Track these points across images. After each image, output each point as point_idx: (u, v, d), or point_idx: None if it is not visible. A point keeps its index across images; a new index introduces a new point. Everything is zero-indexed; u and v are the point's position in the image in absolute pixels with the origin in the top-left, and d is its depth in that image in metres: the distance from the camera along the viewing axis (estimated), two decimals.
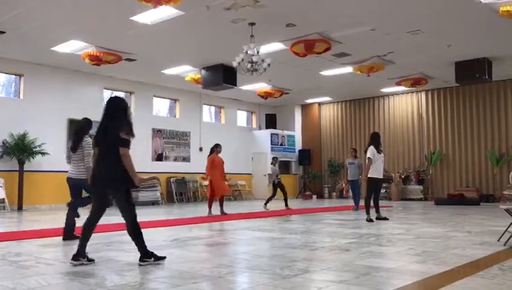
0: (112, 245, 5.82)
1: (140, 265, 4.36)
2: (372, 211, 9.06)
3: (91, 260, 4.49)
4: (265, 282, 3.69)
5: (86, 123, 6.71)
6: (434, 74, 15.10)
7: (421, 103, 18.06)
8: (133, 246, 5.71)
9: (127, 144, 4.51)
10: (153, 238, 6.56)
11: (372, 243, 5.81)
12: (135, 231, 4.48)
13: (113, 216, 10.58)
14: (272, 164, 13.25)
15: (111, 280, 3.74)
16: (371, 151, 9.15)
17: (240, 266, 4.44)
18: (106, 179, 4.53)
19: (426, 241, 6.09)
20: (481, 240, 6.10)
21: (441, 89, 17.47)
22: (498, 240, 5.80)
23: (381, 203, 9.65)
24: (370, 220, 8.75)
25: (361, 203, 12.13)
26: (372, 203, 9.14)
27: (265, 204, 12.42)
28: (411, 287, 3.50)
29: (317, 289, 3.45)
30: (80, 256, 4.42)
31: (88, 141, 6.42)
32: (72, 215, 6.37)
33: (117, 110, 4.67)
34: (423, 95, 17.99)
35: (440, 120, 17.57)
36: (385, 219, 9.06)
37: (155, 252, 4.52)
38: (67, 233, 6.23)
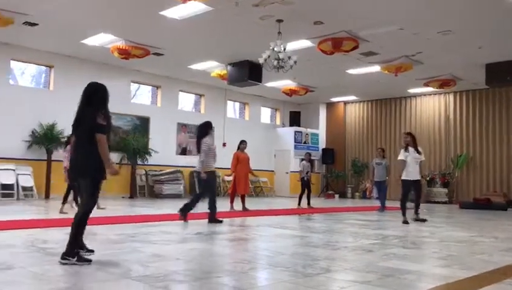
0: (136, 236, 5.91)
1: (60, 262, 3.93)
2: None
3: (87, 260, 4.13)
4: (287, 279, 3.69)
5: (205, 126, 7.93)
6: (463, 76, 14.82)
7: (449, 105, 17.75)
8: (158, 237, 5.82)
9: (103, 130, 4.20)
10: (176, 231, 6.64)
11: (395, 245, 5.76)
12: (79, 224, 4.14)
13: (137, 207, 10.76)
14: (303, 159, 13.03)
15: (135, 271, 3.80)
16: (402, 153, 9.02)
17: (262, 263, 4.45)
18: (79, 168, 4.26)
19: (451, 245, 6.00)
20: (508, 246, 5.97)
21: (469, 91, 17.13)
22: None
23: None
24: (405, 222, 8.58)
25: (387, 204, 12.05)
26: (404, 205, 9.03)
27: (299, 203, 12.31)
28: None
29: (340, 288, 3.44)
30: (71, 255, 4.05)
31: (205, 140, 7.74)
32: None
33: (93, 95, 4.35)
34: (451, 96, 17.67)
35: (468, 123, 17.24)
36: (423, 220, 8.92)
37: (81, 253, 4.13)
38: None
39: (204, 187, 8.01)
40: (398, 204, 9.26)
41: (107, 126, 4.26)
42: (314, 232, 7.06)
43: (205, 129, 8.04)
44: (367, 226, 8.17)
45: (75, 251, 4.05)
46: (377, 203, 12.02)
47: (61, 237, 5.63)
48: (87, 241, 5.36)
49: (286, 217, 9.88)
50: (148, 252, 4.70)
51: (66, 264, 3.91)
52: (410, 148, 8.96)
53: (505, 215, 12.14)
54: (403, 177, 8.88)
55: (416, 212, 9.06)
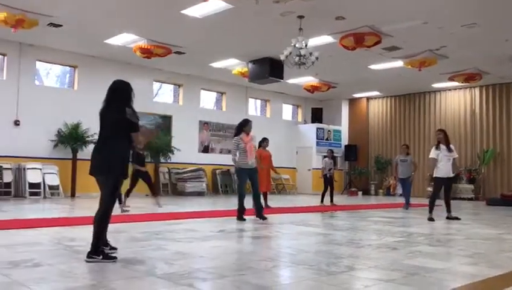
0: (160, 234, 5.96)
1: (86, 261, 3.97)
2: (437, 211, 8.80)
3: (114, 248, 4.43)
4: (310, 277, 3.68)
5: (239, 125, 8.18)
6: (489, 69, 14.51)
7: (475, 99, 17.41)
8: (182, 235, 5.86)
9: (136, 127, 4.30)
10: (199, 228, 6.68)
11: (421, 243, 5.67)
12: (100, 223, 4.21)
13: (164, 205, 10.85)
14: (325, 156, 12.95)
15: (160, 268, 3.83)
16: (432, 151, 8.85)
17: (285, 260, 4.44)
18: (102, 166, 4.29)
19: (478, 242, 5.88)
20: None
21: (496, 85, 16.76)
22: None
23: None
24: (431, 219, 8.47)
25: (411, 201, 11.87)
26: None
27: (322, 201, 12.25)
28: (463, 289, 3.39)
29: (364, 287, 3.41)
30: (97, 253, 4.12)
31: (235, 139, 8.04)
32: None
33: (117, 92, 4.43)
34: (477, 91, 17.33)
35: (494, 117, 16.88)
36: (456, 218, 8.75)
37: (105, 250, 4.18)
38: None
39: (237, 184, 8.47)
40: (422, 201, 9.12)
41: (136, 124, 4.31)
42: (338, 230, 7.01)
43: (239, 128, 8.17)
44: (391, 223, 8.07)
45: (100, 249, 4.11)
46: (402, 200, 11.84)
47: (87, 235, 5.70)
48: (112, 239, 5.45)
49: (309, 214, 9.84)
50: (173, 250, 4.74)
51: (92, 262, 3.96)
52: (442, 146, 8.76)
53: None
54: (435, 175, 8.72)
55: (449, 210, 8.89)
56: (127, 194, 9.25)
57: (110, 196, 4.26)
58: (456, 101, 17.89)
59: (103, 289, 3.11)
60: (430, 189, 17.66)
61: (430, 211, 8.68)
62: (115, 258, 4.08)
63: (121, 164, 4.24)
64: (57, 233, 5.80)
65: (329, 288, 3.33)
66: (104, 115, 4.36)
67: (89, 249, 4.07)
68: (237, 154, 7.99)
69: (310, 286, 3.42)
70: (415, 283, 3.51)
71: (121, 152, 4.25)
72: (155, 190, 10.04)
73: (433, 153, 8.79)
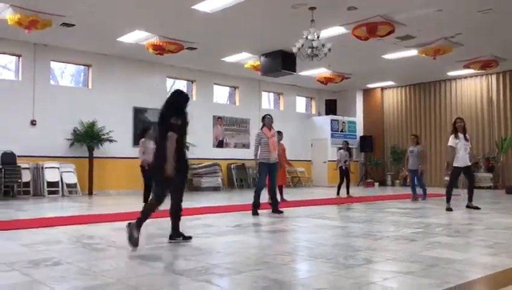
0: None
1: (169, 242, 4.87)
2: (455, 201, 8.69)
3: (187, 238, 4.97)
4: (328, 271, 3.66)
5: (262, 120, 8.41)
6: (506, 56, 14.24)
7: (492, 87, 17.12)
8: (199, 230, 5.89)
9: (173, 128, 4.72)
10: (215, 223, 6.70)
11: (439, 234, 5.62)
12: (147, 212, 4.71)
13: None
14: (340, 148, 12.87)
15: (178, 265, 3.86)
16: (451, 139, 8.73)
17: (302, 254, 4.43)
18: (156, 166, 4.80)
19: (498, 232, 5.80)
20: None
21: None
22: None
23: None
24: (449, 209, 8.38)
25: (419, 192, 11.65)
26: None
27: (338, 193, 12.20)
28: (483, 281, 3.35)
29: (383, 279, 3.38)
30: (176, 236, 4.94)
31: (257, 133, 8.29)
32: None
33: (170, 99, 5.07)
34: (494, 78, 17.03)
35: None
36: (476, 208, 8.62)
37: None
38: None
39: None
40: (439, 191, 9.01)
41: (181, 126, 4.80)
42: (355, 222, 6.98)
43: (263, 122, 8.39)
44: (408, 214, 8.01)
45: (179, 232, 4.91)
46: (420, 192, 11.61)
47: (105, 232, 5.79)
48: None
49: (325, 207, 9.81)
50: (191, 246, 4.76)
51: (173, 243, 4.84)
52: (460, 135, 8.65)
53: None
54: (454, 164, 8.60)
55: (471, 199, 8.77)
56: None
57: (160, 193, 4.80)
58: (472, 89, 17.62)
59: (122, 286, 3.13)
60: (447, 178, 17.52)
61: (448, 201, 8.59)
62: (190, 237, 4.97)
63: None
64: (75, 231, 5.86)
65: (347, 282, 3.31)
66: (160, 120, 5.04)
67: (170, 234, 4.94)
68: (259, 148, 8.06)
69: (328, 280, 3.41)
70: (435, 274, 3.47)
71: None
72: None
73: (451, 142, 8.67)
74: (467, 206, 8.70)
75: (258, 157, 8.14)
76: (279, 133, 10.93)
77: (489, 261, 4.04)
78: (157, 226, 6.38)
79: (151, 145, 8.70)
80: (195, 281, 3.28)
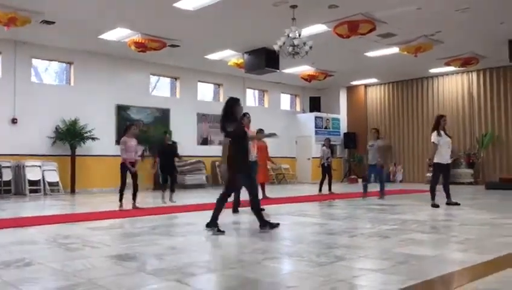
0: (156, 229, 6.01)
1: (206, 230, 5.58)
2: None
3: (221, 231, 5.47)
4: (301, 269, 3.72)
5: None
6: (486, 53, 14.44)
7: (472, 84, 17.35)
8: (177, 229, 5.92)
9: (226, 134, 5.66)
10: (194, 221, 6.73)
11: (414, 230, 5.71)
12: (220, 202, 5.70)
13: (160, 199, 10.89)
14: (323, 145, 12.93)
15: (151, 264, 3.88)
16: (434, 136, 8.82)
17: (278, 252, 4.48)
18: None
19: (472, 228, 5.92)
20: None
21: (493, 69, 16.70)
22: None
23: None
24: (435, 206, 8.47)
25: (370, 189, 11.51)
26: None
27: (320, 190, 12.28)
28: (448, 277, 3.42)
29: (352, 277, 3.44)
30: (212, 225, 5.55)
31: None
32: None
33: (225, 108, 5.85)
34: (474, 75, 17.26)
35: (492, 101, 16.84)
36: (456, 203, 8.74)
37: (215, 227, 5.48)
38: None
39: None
40: (420, 187, 9.12)
41: (233, 132, 5.60)
42: (333, 219, 7.05)
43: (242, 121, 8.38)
44: (386, 211, 8.10)
45: (216, 222, 5.54)
46: (396, 187, 11.73)
47: (82, 232, 5.78)
48: (110, 235, 5.52)
49: (307, 204, 9.88)
50: (166, 245, 4.78)
51: (209, 231, 5.49)
52: (442, 132, 8.76)
53: None
54: (436, 161, 8.70)
55: (449, 196, 8.88)
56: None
57: (227, 186, 5.82)
58: (453, 86, 17.83)
59: (92, 286, 3.15)
60: (429, 174, 17.70)
61: (433, 198, 8.68)
62: (223, 232, 5.38)
63: (233, 163, 5.65)
64: (52, 231, 5.84)
65: (317, 280, 3.36)
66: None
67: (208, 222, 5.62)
68: None
69: (299, 278, 3.46)
70: (403, 271, 3.54)
71: (233, 154, 5.63)
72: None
73: (435, 138, 8.76)
74: (447, 203, 8.82)
75: None
76: (261, 130, 10.96)
77: (459, 257, 4.13)
78: (136, 225, 6.39)
79: (133, 142, 8.70)
80: (165, 280, 3.31)
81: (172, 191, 10.08)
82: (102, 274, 3.54)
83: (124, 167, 8.55)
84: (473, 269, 3.65)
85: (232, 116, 5.74)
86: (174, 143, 10.16)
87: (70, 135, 13.24)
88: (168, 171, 10.20)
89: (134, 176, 8.64)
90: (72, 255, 4.29)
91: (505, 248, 4.48)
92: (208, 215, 7.69)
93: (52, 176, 12.88)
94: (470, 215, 7.28)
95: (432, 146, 8.88)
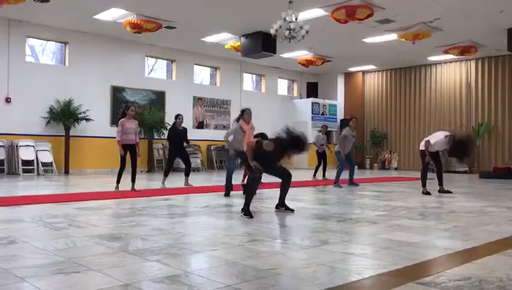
0: (144, 210, 6.00)
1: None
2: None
3: (290, 210, 6.01)
4: (282, 251, 3.71)
5: (240, 113, 8.33)
6: (484, 42, 14.35)
7: (470, 72, 17.28)
8: (165, 211, 5.92)
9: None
10: (184, 204, 6.72)
11: (402, 217, 5.70)
12: (250, 190, 5.83)
13: (153, 181, 10.88)
14: (319, 131, 12.92)
15: (134, 245, 3.86)
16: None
17: (262, 235, 4.46)
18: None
19: (460, 215, 5.91)
20: None
21: (492, 58, 16.62)
22: None
23: None
24: (427, 193, 8.50)
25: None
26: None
27: (314, 175, 12.32)
28: (429, 263, 3.42)
29: (332, 261, 3.43)
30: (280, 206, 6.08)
31: (235, 125, 8.28)
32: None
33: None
34: (472, 63, 17.18)
35: (490, 90, 16.79)
36: (448, 191, 8.75)
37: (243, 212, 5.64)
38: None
39: None
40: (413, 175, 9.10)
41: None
42: (323, 204, 7.05)
43: (241, 115, 8.26)
44: (378, 197, 8.11)
45: (284, 203, 6.08)
46: (396, 174, 11.74)
47: (70, 211, 5.77)
48: (94, 215, 5.51)
49: (300, 189, 9.87)
50: (152, 226, 4.77)
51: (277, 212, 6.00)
52: None
53: None
54: (432, 149, 8.70)
55: (442, 183, 8.90)
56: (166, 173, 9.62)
57: (251, 174, 5.89)
58: (451, 74, 17.76)
59: (71, 265, 3.14)
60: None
61: (424, 185, 8.71)
62: (251, 216, 5.48)
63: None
64: (40, 210, 5.83)
65: (298, 263, 3.36)
66: None
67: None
68: (231, 137, 8.06)
69: (279, 260, 3.45)
70: (384, 257, 3.54)
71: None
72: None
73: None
74: (439, 191, 8.83)
75: (229, 145, 8.11)
76: (263, 136, 10.70)
77: (443, 244, 4.12)
78: (125, 206, 6.38)
79: (131, 124, 8.57)
80: (146, 261, 3.30)
81: (187, 175, 9.83)
82: (83, 253, 3.53)
83: (124, 148, 8.39)
84: (456, 256, 3.65)
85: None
86: (185, 129, 9.91)
87: (65, 116, 13.19)
88: (183, 155, 9.94)
89: (134, 159, 8.52)
90: (57, 234, 4.28)
91: (491, 235, 4.48)
92: (200, 198, 7.73)
93: (46, 156, 12.86)
94: (461, 203, 7.28)
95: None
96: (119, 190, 8.29)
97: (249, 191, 5.82)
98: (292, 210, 6.03)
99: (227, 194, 7.92)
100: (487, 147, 16.76)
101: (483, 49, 15.07)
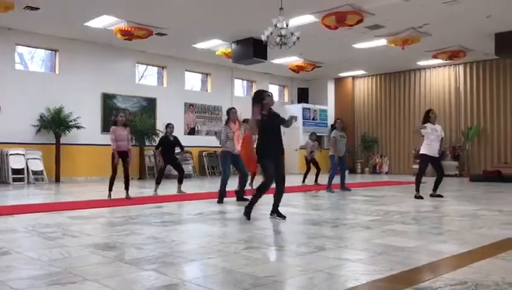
0: (137, 218, 5.97)
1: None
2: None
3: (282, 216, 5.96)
4: (278, 258, 3.72)
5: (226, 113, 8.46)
6: (473, 46, 14.51)
7: (459, 76, 17.47)
8: (159, 218, 5.89)
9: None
10: (177, 211, 6.71)
11: (395, 221, 5.73)
12: (257, 193, 5.89)
13: (144, 189, 10.84)
14: (309, 138, 13.11)
15: (129, 254, 3.84)
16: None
17: (258, 242, 4.46)
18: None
19: (453, 219, 5.97)
20: (510, 219, 5.92)
21: (480, 62, 16.81)
22: None
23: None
24: (420, 197, 8.54)
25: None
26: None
27: (303, 181, 12.38)
28: (425, 268, 3.44)
29: (330, 267, 3.44)
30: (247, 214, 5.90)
31: (224, 127, 8.27)
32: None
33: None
34: (461, 68, 17.37)
35: (478, 94, 16.98)
36: (439, 195, 8.81)
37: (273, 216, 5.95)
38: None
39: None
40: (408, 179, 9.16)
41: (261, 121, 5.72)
42: (316, 210, 7.07)
43: (228, 116, 8.38)
44: (371, 202, 8.15)
45: (248, 208, 5.90)
46: (388, 179, 11.82)
47: (63, 221, 5.73)
48: (91, 224, 5.48)
49: (292, 194, 9.87)
50: (146, 234, 4.75)
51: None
52: (432, 125, 8.74)
53: None
54: (424, 152, 8.74)
55: (435, 189, 8.94)
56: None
57: (264, 176, 5.86)
58: (440, 79, 17.93)
59: (67, 275, 3.11)
60: (415, 166, 17.83)
61: (417, 189, 8.76)
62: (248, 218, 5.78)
63: (261, 152, 5.92)
64: (33, 219, 5.78)
65: (294, 269, 3.37)
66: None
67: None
68: (223, 138, 8.09)
69: (276, 268, 3.46)
70: (380, 262, 3.55)
71: (259, 144, 5.90)
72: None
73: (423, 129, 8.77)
74: (431, 195, 8.88)
75: (223, 146, 8.13)
76: (245, 121, 10.89)
77: (437, 248, 4.14)
78: (118, 215, 6.35)
79: (123, 132, 8.56)
80: (142, 270, 3.29)
81: (180, 182, 9.82)
82: (79, 263, 3.51)
83: (114, 156, 8.36)
84: (451, 260, 3.68)
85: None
86: (176, 138, 9.95)
87: (55, 123, 13.09)
88: (174, 164, 9.90)
89: (126, 167, 8.49)
90: (51, 244, 4.24)
91: (485, 239, 4.52)
92: (193, 205, 7.72)
93: (36, 165, 12.76)
94: (453, 207, 7.34)
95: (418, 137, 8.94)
96: (112, 197, 8.25)
97: (257, 193, 5.85)
98: (284, 217, 5.95)
99: (220, 201, 7.90)
100: (477, 151, 16.92)
101: (471, 53, 15.24)
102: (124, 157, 8.41)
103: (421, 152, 8.81)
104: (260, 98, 5.83)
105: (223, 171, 8.22)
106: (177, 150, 9.90)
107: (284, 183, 6.00)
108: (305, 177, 12.43)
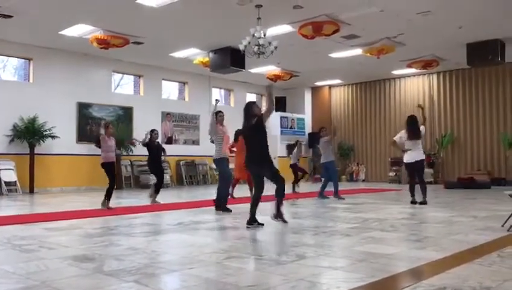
0: (116, 229, 5.89)
1: (247, 228, 5.91)
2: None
3: (260, 224, 5.97)
4: (260, 268, 3.71)
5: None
6: (446, 56, 14.85)
7: (433, 85, 17.83)
8: (138, 229, 5.82)
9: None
10: (156, 222, 6.64)
11: (374, 228, 5.80)
12: (253, 203, 6.10)
13: (121, 199, 10.70)
14: (294, 146, 13.39)
15: (109, 265, 3.79)
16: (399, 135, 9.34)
17: (239, 252, 4.45)
18: None
19: (429, 226, 6.07)
20: (485, 225, 6.05)
21: (453, 71, 17.20)
22: (502, 226, 5.74)
23: (392, 186, 9.38)
24: (414, 202, 8.90)
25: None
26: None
27: (293, 189, 12.45)
28: (405, 274, 3.49)
29: (312, 275, 3.46)
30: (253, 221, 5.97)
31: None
32: None
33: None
34: (435, 77, 17.74)
35: (451, 103, 17.35)
36: (422, 203, 8.95)
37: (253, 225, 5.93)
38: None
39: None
40: (380, 186, 9.29)
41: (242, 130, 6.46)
42: (296, 218, 7.10)
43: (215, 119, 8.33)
44: (349, 209, 8.22)
45: (254, 218, 5.97)
46: (364, 186, 11.98)
47: (39, 233, 5.61)
48: (68, 236, 5.38)
49: (272, 203, 9.87)
50: (126, 245, 4.69)
51: (250, 229, 5.83)
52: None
53: (489, 193, 12.30)
54: (406, 160, 9.18)
55: (413, 195, 9.21)
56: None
57: (255, 186, 6.31)
58: (415, 87, 18.28)
59: (45, 289, 3.05)
60: (391, 174, 18.09)
61: (412, 195, 9.13)
62: (262, 224, 6.00)
63: (247, 162, 6.49)
64: (7, 232, 5.64)
65: (276, 278, 3.37)
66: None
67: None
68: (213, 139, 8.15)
69: (258, 277, 3.45)
70: (361, 269, 3.59)
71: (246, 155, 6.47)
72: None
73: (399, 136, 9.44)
74: (411, 202, 9.05)
75: (216, 156, 8.09)
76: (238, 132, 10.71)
77: (416, 254, 4.21)
78: (95, 226, 6.25)
79: (111, 142, 8.51)
80: (123, 281, 3.24)
81: (157, 192, 9.76)
82: (57, 276, 3.44)
83: (105, 166, 8.33)
84: (429, 266, 3.74)
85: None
86: (159, 144, 10.02)
87: (29, 133, 12.83)
88: (158, 171, 9.91)
89: (112, 177, 8.46)
90: (27, 256, 4.15)
91: (461, 245, 4.61)
92: (172, 215, 7.65)
93: (10, 176, 12.46)
94: (430, 214, 7.46)
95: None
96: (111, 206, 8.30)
97: (253, 205, 6.06)
98: (262, 224, 6.01)
99: (226, 210, 7.86)
100: (451, 158, 17.26)
101: (444, 63, 15.59)
102: (112, 168, 8.43)
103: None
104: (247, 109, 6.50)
105: (224, 172, 8.16)
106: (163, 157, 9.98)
107: (278, 180, 6.18)
108: (294, 185, 12.55)
